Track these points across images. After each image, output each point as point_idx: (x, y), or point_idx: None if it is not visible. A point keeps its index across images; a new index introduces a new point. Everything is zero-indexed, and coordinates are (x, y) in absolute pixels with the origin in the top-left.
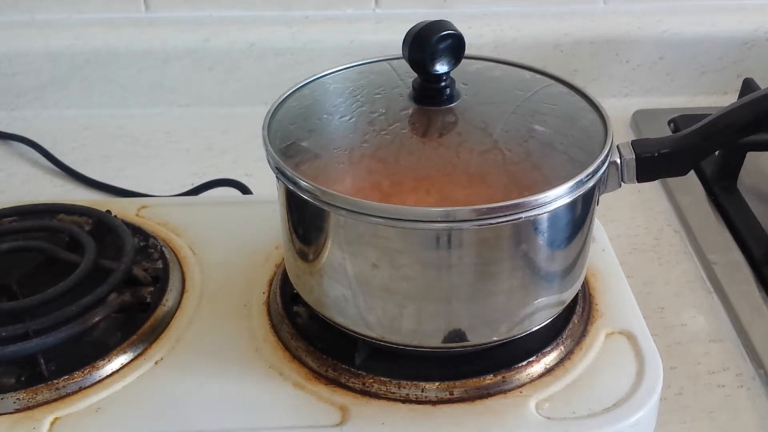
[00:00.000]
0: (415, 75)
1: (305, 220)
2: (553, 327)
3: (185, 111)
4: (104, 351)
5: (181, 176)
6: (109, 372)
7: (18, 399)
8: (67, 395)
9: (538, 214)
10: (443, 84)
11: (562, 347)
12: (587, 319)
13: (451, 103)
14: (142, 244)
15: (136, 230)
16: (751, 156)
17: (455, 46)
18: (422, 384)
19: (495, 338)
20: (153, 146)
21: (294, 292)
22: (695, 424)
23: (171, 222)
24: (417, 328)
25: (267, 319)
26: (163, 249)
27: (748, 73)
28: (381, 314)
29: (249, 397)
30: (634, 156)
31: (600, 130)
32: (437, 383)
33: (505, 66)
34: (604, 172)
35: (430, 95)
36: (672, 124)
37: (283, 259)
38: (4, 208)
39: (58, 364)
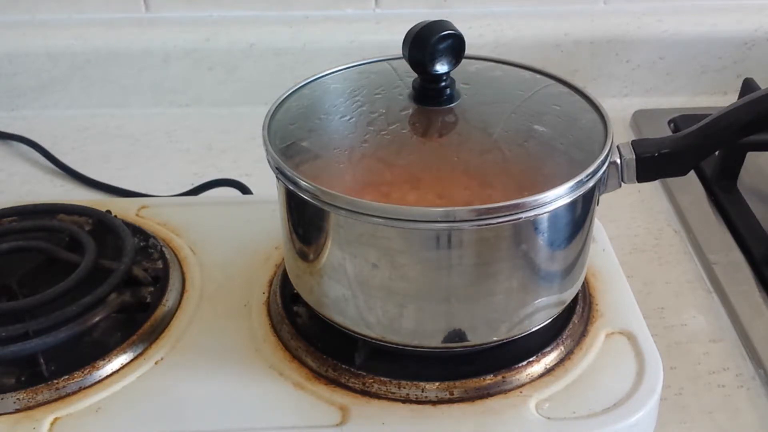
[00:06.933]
0: (415, 75)
1: (305, 220)
2: (553, 327)
3: (185, 111)
4: (104, 351)
5: (181, 176)
6: (109, 372)
7: (18, 399)
8: (67, 395)
9: (538, 214)
10: (443, 84)
11: (562, 347)
12: (587, 319)
13: (451, 103)
14: (142, 244)
15: (136, 230)
16: (751, 156)
17: (455, 46)
18: (422, 384)
19: (495, 338)
20: (153, 146)
21: (294, 292)
22: (695, 424)
23: (171, 222)
24: (417, 328)
25: (267, 319)
26: (163, 249)
27: (748, 73)
28: (381, 314)
29: (249, 397)
30: (634, 156)
31: (600, 130)
32: (437, 383)
33: (505, 66)
34: (604, 172)
35: (430, 95)
36: (672, 124)
37: (283, 259)
38: (4, 208)
39: (58, 364)
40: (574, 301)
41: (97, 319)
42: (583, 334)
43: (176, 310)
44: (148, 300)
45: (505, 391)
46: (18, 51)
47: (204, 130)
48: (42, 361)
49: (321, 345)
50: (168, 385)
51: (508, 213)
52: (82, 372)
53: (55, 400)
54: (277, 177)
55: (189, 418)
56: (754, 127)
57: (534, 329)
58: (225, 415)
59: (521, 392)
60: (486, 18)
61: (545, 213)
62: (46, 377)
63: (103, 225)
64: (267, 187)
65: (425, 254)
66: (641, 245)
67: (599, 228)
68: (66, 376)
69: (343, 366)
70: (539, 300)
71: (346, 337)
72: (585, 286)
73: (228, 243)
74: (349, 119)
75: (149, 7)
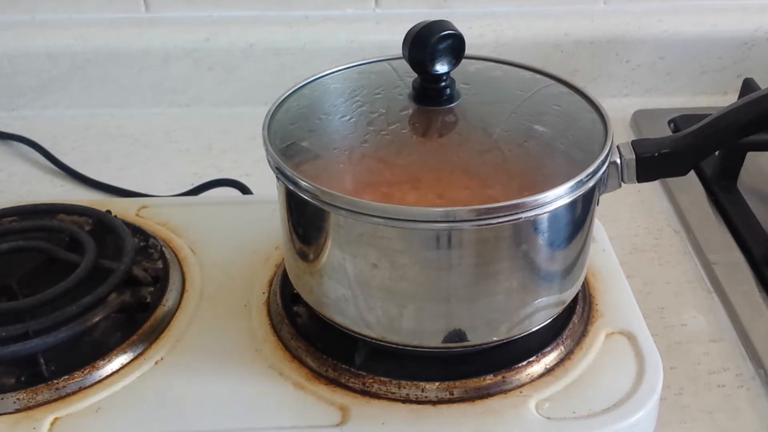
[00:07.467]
0: (415, 75)
1: (305, 220)
2: (553, 327)
3: (185, 111)
4: (104, 351)
5: (181, 176)
6: (109, 372)
7: (18, 399)
8: (67, 395)
9: (538, 214)
10: (443, 84)
11: (562, 347)
12: (587, 319)
13: (451, 103)
14: (142, 244)
15: (136, 230)
16: (751, 156)
17: (455, 46)
18: (422, 384)
19: (495, 338)
20: (153, 146)
21: (294, 292)
22: (695, 424)
23: (171, 222)
24: (417, 328)
25: (267, 319)
26: (163, 249)
27: (748, 73)
28: (381, 314)
29: (249, 397)
30: (634, 156)
31: (600, 130)
32: (437, 383)
33: (505, 66)
34: (604, 172)
35: (430, 95)
36: (672, 124)
37: (283, 259)
38: (4, 208)
39: (58, 364)
40: (574, 301)
41: (97, 319)
42: (583, 334)
43: (176, 310)
44: (148, 300)
45: (505, 391)
46: (18, 51)
47: (204, 130)
48: (42, 361)
49: (321, 345)
50: (168, 385)
51: (508, 213)
52: (82, 372)
53: (55, 400)
54: (277, 177)
55: (189, 418)
56: (754, 127)
57: (534, 329)
58: (225, 415)
59: (521, 392)
60: (486, 18)
61: (545, 213)
62: (46, 377)
63: (103, 225)
64: (267, 187)
65: (425, 254)
66: (641, 245)
67: (599, 228)
68: (66, 376)
69: (343, 366)
70: (539, 300)
71: (346, 337)
72: (585, 286)
73: (228, 243)
74: (349, 119)
75: (149, 7)
